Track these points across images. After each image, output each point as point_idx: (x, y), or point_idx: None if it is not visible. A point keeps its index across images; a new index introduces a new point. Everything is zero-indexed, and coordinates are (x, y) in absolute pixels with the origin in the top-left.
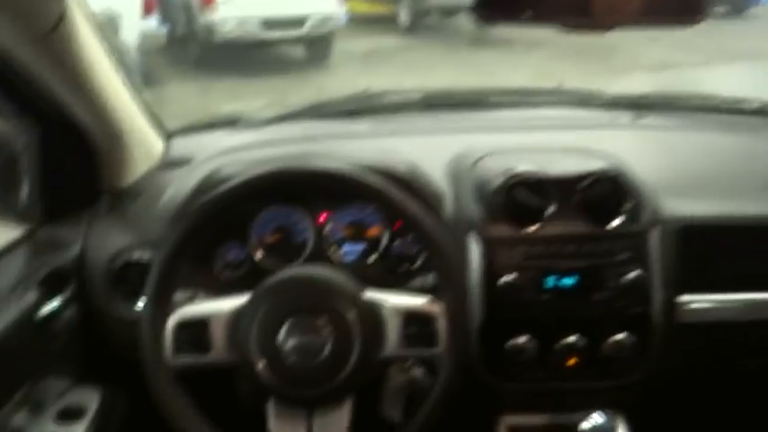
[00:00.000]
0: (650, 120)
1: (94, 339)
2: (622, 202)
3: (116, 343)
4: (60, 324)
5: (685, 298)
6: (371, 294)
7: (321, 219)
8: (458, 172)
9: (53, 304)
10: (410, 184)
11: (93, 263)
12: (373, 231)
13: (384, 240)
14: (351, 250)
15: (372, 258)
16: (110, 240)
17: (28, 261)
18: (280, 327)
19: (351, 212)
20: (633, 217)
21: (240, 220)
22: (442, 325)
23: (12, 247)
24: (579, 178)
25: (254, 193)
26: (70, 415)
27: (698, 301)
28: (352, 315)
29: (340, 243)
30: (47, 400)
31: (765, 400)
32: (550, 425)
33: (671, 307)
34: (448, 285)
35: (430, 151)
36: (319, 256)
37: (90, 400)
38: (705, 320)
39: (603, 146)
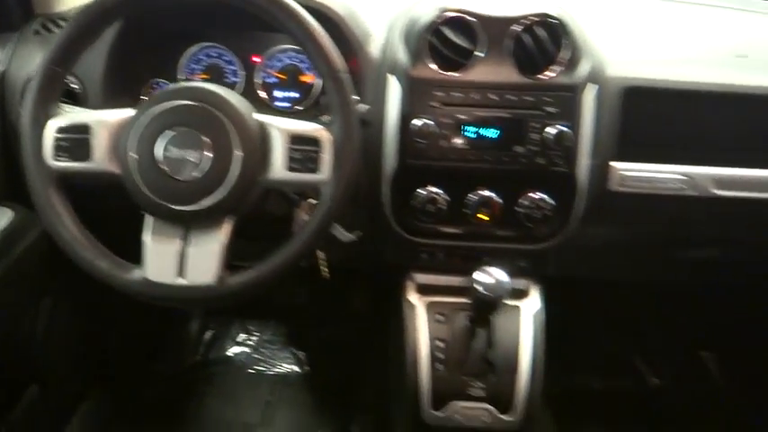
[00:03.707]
0: None
1: (14, 158)
2: (559, 51)
3: None
4: None
5: (619, 165)
6: (261, 116)
7: (253, 60)
8: (395, 15)
9: None
10: (337, 20)
11: (13, 80)
12: (307, 78)
13: (317, 88)
14: (283, 96)
15: (303, 106)
16: (31, 60)
17: None
18: (160, 137)
19: (286, 56)
20: (568, 69)
21: (167, 57)
22: (327, 152)
23: None
24: (513, 20)
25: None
26: None
27: (633, 170)
28: (236, 132)
29: (272, 87)
30: None
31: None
32: (462, 287)
33: (602, 173)
34: (339, 114)
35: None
36: (250, 98)
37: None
38: (638, 191)
39: None
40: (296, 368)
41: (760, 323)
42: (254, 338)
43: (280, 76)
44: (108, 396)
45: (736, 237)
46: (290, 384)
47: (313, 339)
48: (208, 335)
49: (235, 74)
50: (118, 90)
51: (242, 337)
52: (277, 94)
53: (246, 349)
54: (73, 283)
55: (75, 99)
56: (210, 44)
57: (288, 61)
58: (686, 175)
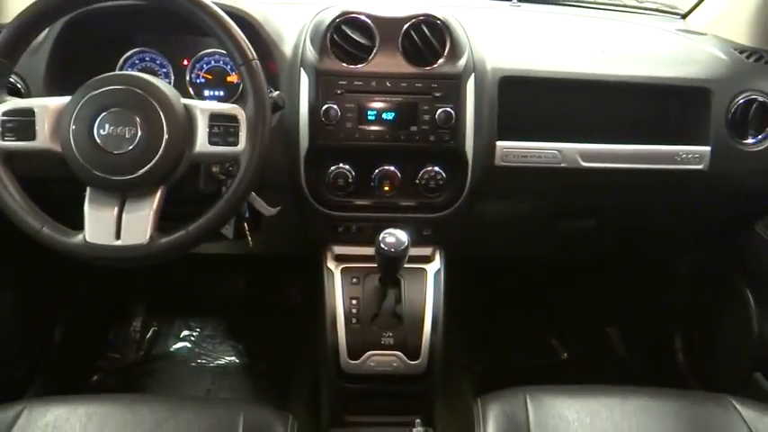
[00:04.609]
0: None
1: None
2: (442, 46)
3: None
4: None
5: (502, 143)
6: (186, 100)
7: (183, 63)
8: (305, 21)
9: None
10: (254, 23)
11: None
12: (233, 78)
13: (241, 88)
14: (211, 95)
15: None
16: None
17: None
18: (96, 117)
19: (213, 59)
20: (451, 61)
21: (105, 60)
22: (243, 126)
23: None
24: (404, 20)
25: None
26: None
27: (513, 147)
28: (164, 113)
29: (201, 87)
30: None
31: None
32: (373, 255)
33: (488, 150)
34: (251, 95)
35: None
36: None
37: None
38: (519, 165)
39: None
40: (236, 359)
41: (655, 303)
42: (195, 334)
43: (207, 76)
44: (51, 385)
45: (605, 204)
46: (230, 374)
47: (252, 332)
48: (150, 332)
49: (167, 75)
50: (59, 89)
51: (184, 333)
52: (206, 93)
53: (188, 344)
54: (14, 273)
55: (19, 97)
56: (145, 49)
57: (214, 63)
58: (558, 150)
